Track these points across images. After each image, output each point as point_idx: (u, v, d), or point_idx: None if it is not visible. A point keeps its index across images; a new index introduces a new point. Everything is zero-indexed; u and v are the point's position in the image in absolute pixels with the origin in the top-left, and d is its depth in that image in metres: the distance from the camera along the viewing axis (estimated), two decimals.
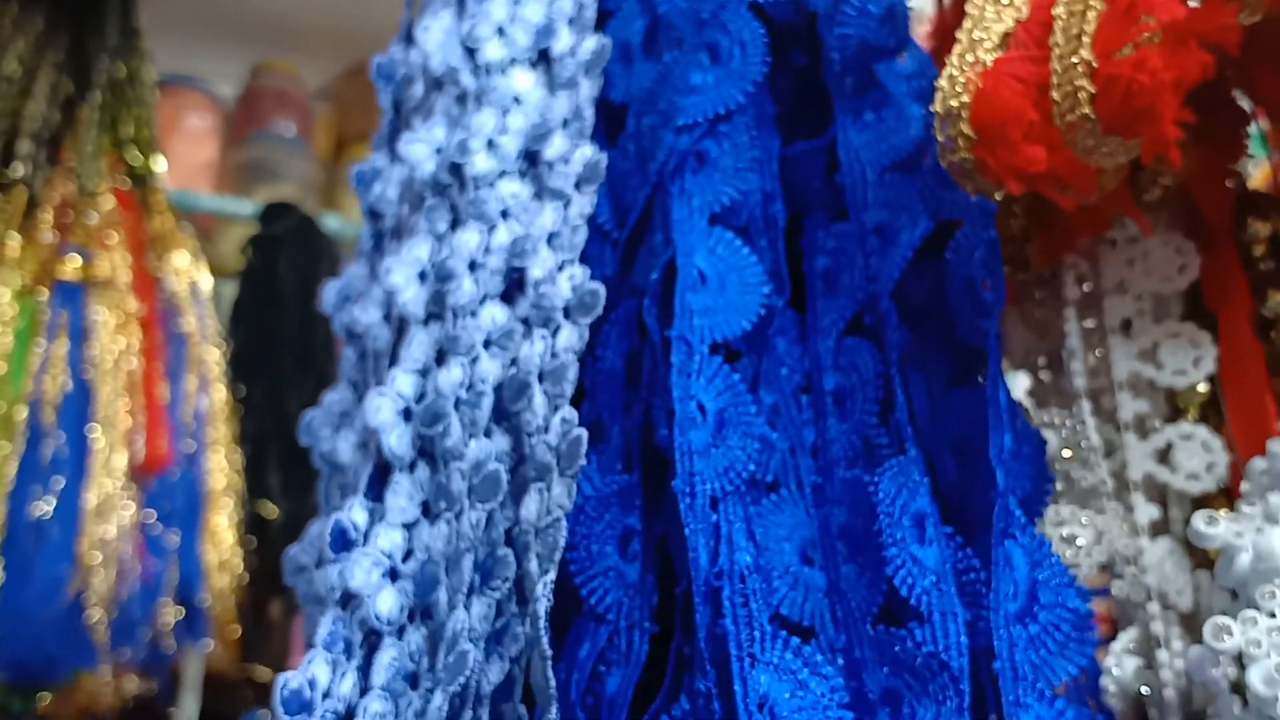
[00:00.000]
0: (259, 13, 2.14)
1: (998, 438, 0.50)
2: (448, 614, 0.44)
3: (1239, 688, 0.51)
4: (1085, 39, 0.47)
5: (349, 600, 0.44)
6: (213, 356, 1.44)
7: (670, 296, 0.52)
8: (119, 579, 1.22)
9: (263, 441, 1.63)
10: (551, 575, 0.44)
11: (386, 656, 0.43)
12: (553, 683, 0.43)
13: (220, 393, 1.45)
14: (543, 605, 0.44)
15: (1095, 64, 0.47)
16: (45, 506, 1.19)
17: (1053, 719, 0.47)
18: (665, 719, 0.46)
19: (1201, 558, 0.62)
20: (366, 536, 0.46)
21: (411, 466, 0.47)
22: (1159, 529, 0.63)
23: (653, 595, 0.50)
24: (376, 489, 0.47)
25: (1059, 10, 0.48)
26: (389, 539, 0.45)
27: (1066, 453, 0.65)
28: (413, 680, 0.44)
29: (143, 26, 1.45)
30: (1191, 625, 0.61)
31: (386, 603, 0.44)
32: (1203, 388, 0.65)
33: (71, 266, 1.30)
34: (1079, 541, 0.62)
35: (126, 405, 1.29)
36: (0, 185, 1.29)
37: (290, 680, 0.42)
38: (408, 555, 0.46)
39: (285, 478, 1.66)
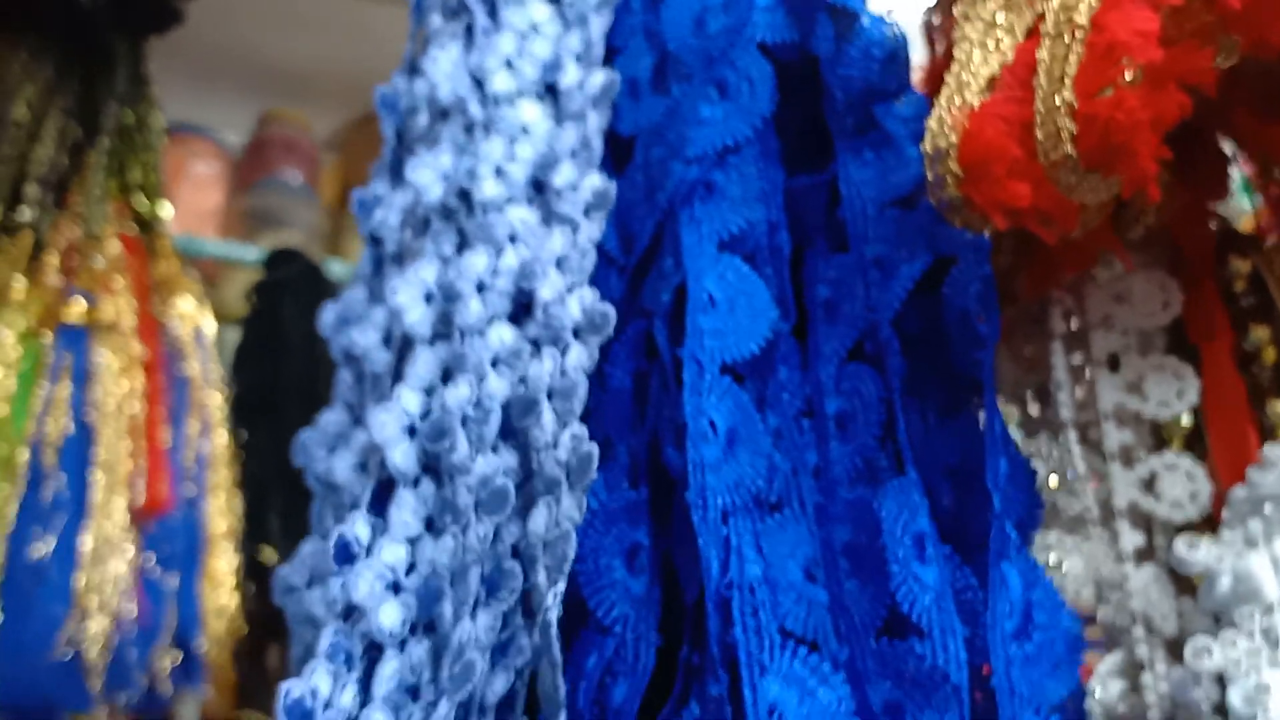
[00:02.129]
0: (268, 62, 2.16)
1: (994, 463, 0.51)
2: (453, 626, 0.44)
3: (1221, 708, 0.52)
4: (1067, 81, 0.48)
5: (351, 613, 0.44)
6: (215, 401, 1.44)
7: (680, 318, 0.53)
8: (117, 622, 1.21)
9: (264, 487, 1.61)
10: (561, 586, 0.45)
11: (388, 669, 0.43)
12: (562, 690, 0.43)
13: (222, 437, 1.44)
14: (554, 614, 0.44)
15: (1076, 104, 0.48)
16: (44, 548, 1.18)
17: None
18: None
19: (1185, 584, 0.63)
20: (369, 550, 0.46)
21: (416, 482, 0.48)
22: (1144, 556, 0.65)
23: (658, 608, 0.50)
24: (379, 504, 0.48)
25: (1042, 54, 0.49)
26: (392, 553, 0.46)
27: (1054, 482, 0.66)
28: (413, 692, 0.44)
29: (152, 74, 1.46)
30: (1175, 649, 0.62)
31: (389, 615, 0.44)
32: (1186, 419, 0.67)
33: (76, 310, 1.30)
34: (1065, 567, 0.63)
35: (128, 448, 1.28)
36: (6, 229, 1.29)
37: (293, 689, 0.42)
38: (410, 569, 0.46)
39: (286, 523, 1.65)
